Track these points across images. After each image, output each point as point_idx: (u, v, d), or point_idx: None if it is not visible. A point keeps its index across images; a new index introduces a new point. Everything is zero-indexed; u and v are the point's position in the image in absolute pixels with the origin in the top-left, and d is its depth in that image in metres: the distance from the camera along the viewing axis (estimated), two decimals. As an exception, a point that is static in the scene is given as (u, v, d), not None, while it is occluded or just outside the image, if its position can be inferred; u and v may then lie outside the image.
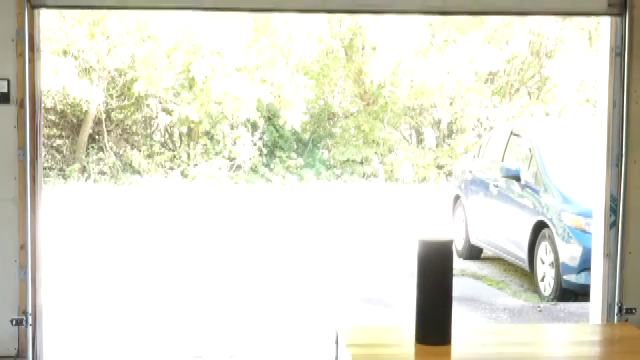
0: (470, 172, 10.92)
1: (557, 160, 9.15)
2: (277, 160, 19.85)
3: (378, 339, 4.38)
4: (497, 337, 4.58)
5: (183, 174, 19.13)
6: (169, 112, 19.65)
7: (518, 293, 9.02)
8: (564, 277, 8.26)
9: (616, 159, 5.85)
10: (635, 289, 5.89)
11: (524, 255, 9.03)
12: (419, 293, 4.04)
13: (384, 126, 20.68)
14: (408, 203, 16.45)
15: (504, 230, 9.62)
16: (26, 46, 5.38)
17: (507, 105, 20.80)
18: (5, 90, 5.41)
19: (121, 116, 20.63)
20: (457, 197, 11.26)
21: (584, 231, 8.02)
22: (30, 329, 5.51)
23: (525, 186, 9.21)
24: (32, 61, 5.44)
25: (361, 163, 20.21)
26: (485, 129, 20.18)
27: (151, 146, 19.98)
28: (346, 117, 21.42)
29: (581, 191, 8.41)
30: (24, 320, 5.48)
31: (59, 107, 19.69)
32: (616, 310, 5.88)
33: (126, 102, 20.28)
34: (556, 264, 8.40)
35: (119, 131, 20.28)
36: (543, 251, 8.70)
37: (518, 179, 9.35)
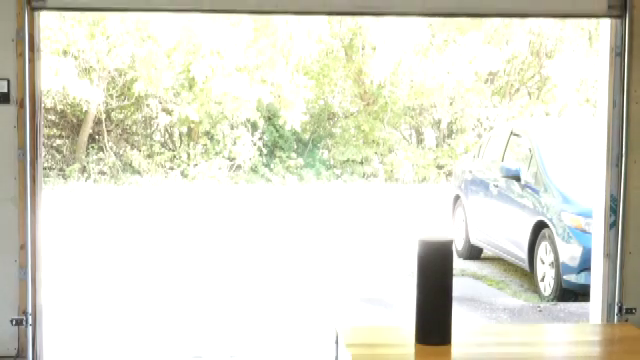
0: (470, 172, 10.92)
1: (557, 160, 9.15)
2: (277, 160, 19.85)
3: (378, 339, 4.38)
4: (497, 337, 4.58)
5: (183, 174, 19.13)
6: (169, 112, 19.65)
7: (518, 293, 9.02)
8: (564, 277, 8.26)
9: (616, 159, 5.85)
10: (635, 289, 5.89)
11: (524, 255, 9.03)
12: (419, 293, 4.04)
13: (384, 126, 20.68)
14: (408, 203, 16.45)
15: (504, 230, 9.62)
16: (26, 46, 5.38)
17: (507, 105, 20.80)
18: (5, 90, 5.41)
19: (121, 116, 20.63)
20: (457, 197, 11.26)
21: (584, 231, 8.02)
22: (30, 329, 5.51)
23: (525, 186, 9.21)
24: (32, 61, 5.44)
25: (361, 163, 20.21)
26: (485, 129, 20.18)
27: (151, 146, 19.98)
28: (346, 117, 21.42)
29: (581, 191, 8.41)
30: (24, 320, 5.48)
31: (59, 107, 19.69)
32: (616, 310, 5.88)
33: (126, 102, 20.28)
34: (556, 264, 8.40)
35: (119, 131, 20.28)
36: (543, 251, 8.70)
37: (518, 179, 9.35)
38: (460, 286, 8.46)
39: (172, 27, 17.14)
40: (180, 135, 20.61)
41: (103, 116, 19.64)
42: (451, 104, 20.61)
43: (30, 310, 5.49)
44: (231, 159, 19.55)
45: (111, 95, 19.84)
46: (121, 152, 19.71)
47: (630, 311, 5.88)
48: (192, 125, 19.90)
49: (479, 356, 4.12)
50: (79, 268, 10.10)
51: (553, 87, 20.30)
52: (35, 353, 5.56)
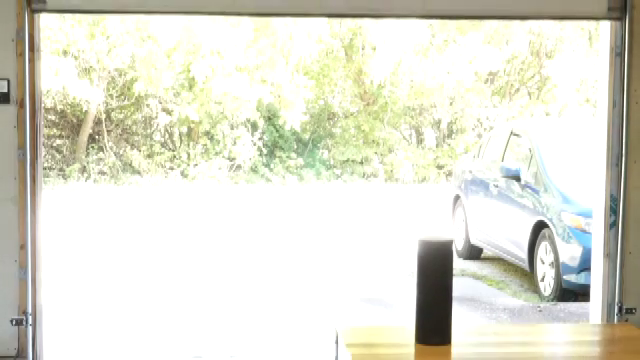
0: (470, 172, 10.92)
1: (557, 160, 9.15)
2: (277, 160, 19.85)
3: (378, 339, 4.38)
4: (497, 337, 4.58)
5: (183, 174, 19.13)
6: (169, 112, 19.65)
7: (518, 293, 9.02)
8: (564, 277, 8.26)
9: (616, 159, 5.85)
10: (635, 289, 5.89)
11: (524, 255, 9.03)
12: (419, 293, 4.04)
13: (384, 126, 20.68)
14: (408, 203, 16.45)
15: (504, 230, 9.62)
16: (26, 46, 5.38)
17: (507, 105, 20.80)
18: (5, 90, 5.41)
19: (121, 116, 20.63)
20: (457, 197, 11.26)
21: (584, 231, 8.02)
22: (30, 329, 5.51)
23: (525, 186, 9.21)
24: (32, 61, 5.44)
25: (361, 163, 20.21)
26: (485, 129, 20.18)
27: (151, 146, 19.98)
28: (346, 117, 21.42)
29: (581, 191, 8.41)
30: (24, 320, 5.48)
31: (59, 107, 19.69)
32: (616, 310, 5.88)
33: (126, 102, 20.28)
34: (556, 264, 8.40)
35: (119, 131, 20.28)
36: (543, 251, 8.70)
37: (518, 179, 9.35)
38: (460, 286, 8.46)
39: (172, 27, 17.14)
40: (180, 135, 20.61)
41: (103, 116, 19.64)
42: (451, 104, 20.61)
43: (30, 310, 5.49)
44: (231, 159, 19.55)
45: (111, 95, 19.84)
46: (121, 152, 19.71)
47: (630, 311, 5.88)
48: (192, 125, 19.90)
49: (479, 356, 4.12)
50: (79, 268, 10.10)
51: (553, 87, 20.30)
52: (35, 353, 5.56)
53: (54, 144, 19.80)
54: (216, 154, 19.58)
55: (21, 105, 5.42)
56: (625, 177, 5.83)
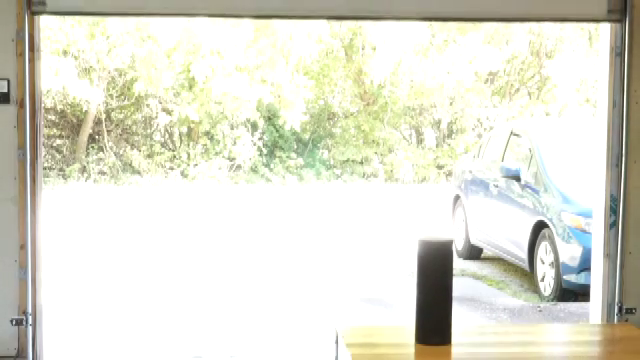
0: (470, 172, 10.92)
1: (557, 160, 9.15)
2: (277, 160, 19.85)
3: (378, 339, 4.38)
4: (497, 337, 4.58)
5: (183, 174, 19.14)
6: (169, 112, 19.65)
7: (518, 293, 9.02)
8: (564, 277, 8.26)
9: (616, 159, 5.85)
10: (635, 289, 5.89)
11: (524, 255, 9.03)
12: (419, 293, 4.04)
13: (384, 126, 20.68)
14: (408, 203, 16.45)
15: (504, 230, 9.62)
16: (26, 46, 5.38)
17: (507, 105, 20.80)
18: (5, 90, 5.41)
19: (121, 116, 20.63)
20: (457, 197, 11.26)
21: (584, 231, 8.02)
22: (30, 329, 5.51)
23: (525, 186, 9.21)
24: (32, 61, 5.44)
25: (361, 163, 20.21)
26: (485, 129, 20.18)
27: (151, 146, 19.98)
28: (346, 117, 21.42)
29: (581, 191, 8.41)
30: (24, 320, 5.48)
31: (59, 107, 19.69)
32: (616, 310, 5.88)
33: (126, 102, 20.28)
34: (556, 264, 8.40)
35: (119, 131, 20.28)
36: (543, 251, 8.70)
37: (518, 179, 9.35)
38: (460, 286, 8.46)
39: (172, 27, 17.14)
40: (180, 135, 20.61)
41: (103, 116, 19.64)
42: (451, 104, 20.61)
43: (30, 310, 5.49)
44: (231, 159, 19.55)
45: (111, 95, 19.84)
46: (121, 152, 19.71)
47: (630, 311, 5.88)
48: (192, 125, 19.90)
49: (479, 356, 4.12)
50: (79, 268, 10.10)
51: (553, 87, 20.30)
52: (35, 353, 5.56)
53: (54, 144, 19.80)
54: (216, 154, 19.58)
55: (21, 105, 5.42)
56: (625, 177, 5.83)
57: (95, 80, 18.80)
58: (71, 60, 17.80)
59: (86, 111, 19.30)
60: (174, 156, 19.72)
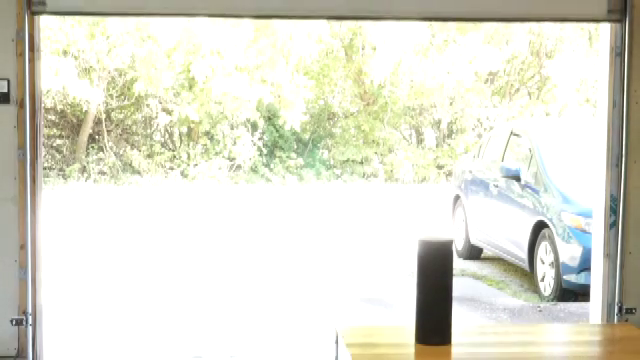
0: (470, 172, 10.92)
1: (557, 160, 9.15)
2: (277, 160, 19.85)
3: (378, 339, 4.38)
4: (497, 337, 4.58)
5: (183, 174, 19.13)
6: (169, 112, 19.66)
7: (518, 293, 9.02)
8: (564, 277, 8.26)
9: (616, 159, 5.85)
10: (635, 289, 5.89)
11: (524, 255, 9.03)
12: (419, 293, 4.04)
13: (384, 126, 20.68)
14: (408, 203, 16.45)
15: (504, 230, 9.62)
16: (26, 46, 5.38)
17: (507, 105, 20.80)
18: (5, 90, 5.41)
19: (121, 116, 20.63)
20: (457, 197, 11.26)
21: (584, 231, 8.02)
22: (30, 329, 5.51)
23: (525, 186, 9.21)
24: (32, 61, 5.44)
25: (361, 163, 20.21)
26: (485, 129, 20.18)
27: (151, 146, 19.98)
28: (346, 117, 21.42)
29: (581, 191, 8.41)
30: (24, 320, 5.48)
31: (59, 107, 19.69)
32: (616, 310, 5.88)
33: (126, 102, 20.28)
34: (556, 264, 8.40)
35: (119, 131, 20.28)
36: (543, 251, 8.70)
37: (518, 179, 9.35)
38: (460, 286, 8.46)
39: (172, 27, 17.14)
40: (180, 135, 20.62)
41: (103, 116, 19.64)
42: (451, 104, 20.61)
43: (30, 310, 5.49)
44: (231, 159, 19.55)
45: (111, 95, 19.84)
46: (121, 152, 19.71)
47: (630, 311, 5.88)
48: (192, 125, 19.90)
49: (479, 356, 4.12)
50: (79, 268, 10.10)
51: (553, 87, 20.30)
52: (35, 353, 5.56)
53: (54, 144, 19.80)
54: (216, 154, 19.58)
55: (21, 105, 5.42)
56: (625, 177, 5.83)
57: (95, 80, 18.80)
58: (71, 60, 17.80)
59: (86, 111, 19.30)
60: (174, 156, 19.72)
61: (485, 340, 4.43)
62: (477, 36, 19.03)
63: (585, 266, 7.72)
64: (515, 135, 10.11)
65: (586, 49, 19.38)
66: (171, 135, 20.79)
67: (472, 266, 10.34)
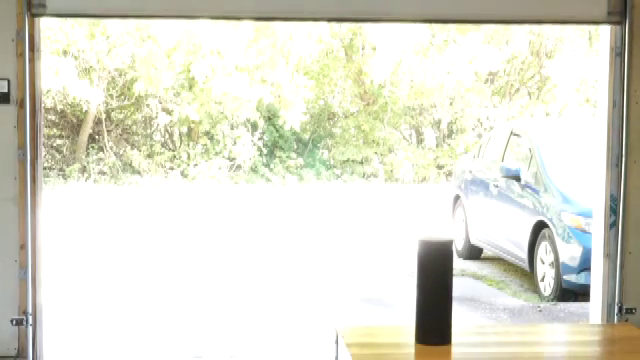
0: (470, 172, 10.92)
1: (557, 160, 9.15)
2: (277, 160, 19.85)
3: (378, 339, 4.38)
4: (497, 337, 4.58)
5: (183, 174, 19.14)
6: (169, 112, 19.66)
7: (518, 293, 9.02)
8: (564, 277, 8.26)
9: (616, 159, 5.86)
10: (635, 289, 5.89)
11: (524, 255, 9.03)
12: (419, 293, 4.04)
13: (384, 126, 20.68)
14: (408, 203, 16.45)
15: (504, 230, 9.62)
16: (26, 46, 5.38)
17: (507, 105, 20.80)
18: (5, 90, 5.41)
19: (121, 116, 20.63)
20: (457, 197, 11.26)
21: (584, 231, 8.02)
22: (30, 329, 5.51)
23: (525, 186, 9.21)
24: (32, 61, 5.45)
25: (361, 163, 20.21)
26: (485, 129, 20.18)
27: (151, 146, 19.98)
28: (346, 117, 21.42)
29: (581, 191, 8.41)
30: (24, 320, 5.48)
31: (59, 107, 19.69)
32: (616, 310, 5.89)
33: (126, 102, 20.28)
34: (556, 264, 8.40)
35: (119, 131, 20.28)
36: (543, 251, 8.70)
37: (518, 179, 9.35)
38: (460, 286, 8.46)
39: (172, 27, 17.14)
40: (180, 135, 20.62)
41: (103, 116, 19.65)
42: (451, 104, 20.62)
43: (30, 310, 5.49)
44: (231, 159, 19.55)
45: (111, 95, 19.84)
46: (121, 152, 19.71)
47: (630, 311, 5.88)
48: (192, 125, 19.90)
49: (479, 356, 4.12)
50: (79, 268, 10.10)
51: (553, 87, 20.30)
52: (35, 353, 5.56)
53: (54, 144, 19.80)
54: (216, 154, 19.58)
55: (21, 105, 5.42)
56: (625, 177, 5.84)
57: (95, 80, 18.80)
58: (71, 60, 17.80)
59: (86, 111, 19.30)
60: (174, 156, 19.72)
61: (485, 340, 4.44)
62: (477, 36, 19.03)
63: (585, 266, 7.72)
64: (515, 135, 10.11)
65: (586, 49, 19.38)
66: (171, 135, 20.79)
67: (472, 266, 10.34)
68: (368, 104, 20.92)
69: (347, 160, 20.18)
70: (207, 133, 20.00)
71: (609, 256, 5.93)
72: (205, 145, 19.76)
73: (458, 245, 10.84)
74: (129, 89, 19.33)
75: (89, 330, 7.23)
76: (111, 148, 19.49)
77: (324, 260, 10.87)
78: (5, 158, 5.45)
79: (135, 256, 10.94)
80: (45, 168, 18.41)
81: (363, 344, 4.18)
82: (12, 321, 5.48)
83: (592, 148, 6.37)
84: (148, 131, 20.59)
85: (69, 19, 17.22)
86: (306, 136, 20.83)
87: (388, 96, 20.51)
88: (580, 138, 9.62)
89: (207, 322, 7.53)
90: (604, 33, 5.94)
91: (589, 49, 19.23)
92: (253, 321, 7.63)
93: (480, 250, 10.65)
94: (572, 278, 8.17)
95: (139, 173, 19.00)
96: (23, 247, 5.46)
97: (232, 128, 20.00)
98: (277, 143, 20.17)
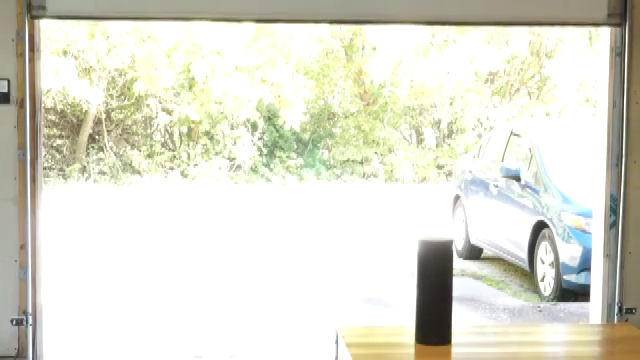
0: (470, 172, 10.92)
1: (557, 160, 9.15)
2: (277, 160, 19.85)
3: (378, 339, 4.38)
4: (497, 337, 4.58)
5: (183, 174, 19.14)
6: (169, 112, 19.66)
7: (518, 293, 9.02)
8: (564, 277, 8.26)
9: (616, 159, 5.86)
10: (635, 289, 5.89)
11: (524, 255, 9.03)
12: (419, 293, 4.04)
13: (384, 126, 20.68)
14: (408, 203, 16.45)
15: (504, 230, 9.62)
16: (26, 46, 5.38)
17: (507, 105, 20.80)
18: (5, 90, 5.41)
19: (121, 116, 20.63)
20: (457, 197, 11.26)
21: (584, 231, 8.02)
22: (30, 329, 5.51)
23: (525, 186, 9.21)
24: (32, 61, 5.45)
25: (361, 163, 20.21)
26: (485, 129, 20.18)
27: (151, 146, 19.98)
28: (346, 117, 21.42)
29: (581, 191, 8.41)
30: (24, 320, 5.48)
31: (59, 107, 19.69)
32: (616, 310, 5.89)
33: (126, 102, 20.28)
34: (556, 264, 8.40)
35: (119, 131, 20.28)
36: (543, 251, 8.70)
37: (518, 179, 9.35)
38: (460, 286, 8.46)
39: (172, 27, 17.14)
40: (180, 135, 20.62)
41: (103, 116, 19.64)
42: (451, 104, 20.62)
43: (30, 310, 5.49)
44: (231, 159, 19.55)
45: (111, 95, 19.84)
46: (121, 152, 19.71)
47: (630, 311, 5.88)
48: (192, 125, 19.90)
49: (479, 356, 4.12)
50: (79, 268, 10.10)
51: (553, 87, 20.30)
52: (35, 353, 5.56)
53: (54, 144, 19.80)
54: (216, 154, 19.58)
55: (21, 105, 5.42)
56: (625, 177, 5.84)
57: (95, 80, 18.80)
58: (71, 60, 17.80)
59: (86, 111, 19.30)
60: (174, 156, 19.72)
61: (485, 340, 4.43)
62: (477, 36, 19.03)
63: (585, 266, 7.72)
64: (515, 135, 10.11)
65: (586, 49, 19.37)
66: (171, 135, 20.79)
67: (472, 266, 10.35)
68: (368, 104, 20.92)
69: (347, 160, 20.18)
70: (207, 133, 20.00)
71: (609, 256, 5.93)
72: (205, 145, 19.76)
73: (458, 245, 10.85)
74: (129, 89, 19.33)
75: (89, 330, 7.23)
76: (111, 148, 19.49)
77: (324, 260, 10.87)
78: (5, 158, 5.45)
79: (135, 256, 10.94)
80: (45, 168, 18.41)
81: (363, 344, 4.18)
82: (12, 321, 5.48)
83: (592, 148, 6.37)
84: (148, 131, 20.59)
85: (69, 20, 17.25)
86: (306, 136, 20.83)
87: (388, 96, 20.51)
88: (580, 138, 9.62)
89: (207, 322, 7.53)
90: (604, 33, 5.94)
91: (589, 49, 19.23)
92: (253, 321, 7.63)
93: (480, 250, 10.65)
94: (572, 278, 8.17)
95: (139, 173, 19.00)
96: (23, 247, 5.46)
97: (232, 128, 20.00)
98: (277, 143, 20.17)
